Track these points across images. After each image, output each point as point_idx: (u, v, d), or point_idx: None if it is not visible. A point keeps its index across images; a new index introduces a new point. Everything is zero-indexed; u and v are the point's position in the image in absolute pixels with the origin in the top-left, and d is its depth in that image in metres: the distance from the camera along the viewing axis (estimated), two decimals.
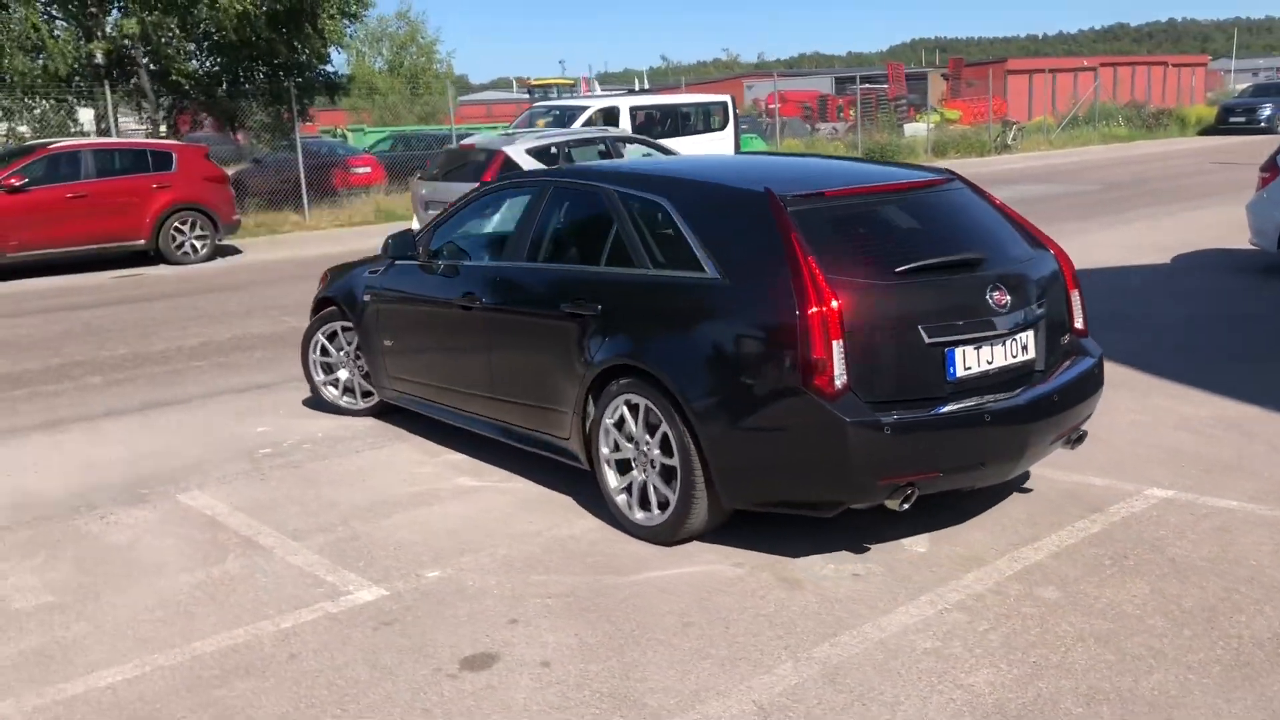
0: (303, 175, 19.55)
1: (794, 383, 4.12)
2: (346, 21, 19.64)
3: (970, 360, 4.32)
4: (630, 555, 4.59)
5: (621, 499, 4.87)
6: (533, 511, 5.15)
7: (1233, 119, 35.21)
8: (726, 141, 20.66)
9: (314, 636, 4.00)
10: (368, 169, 23.04)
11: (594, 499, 5.15)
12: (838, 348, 4.07)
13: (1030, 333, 4.51)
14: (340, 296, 6.80)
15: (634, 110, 19.62)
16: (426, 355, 6.15)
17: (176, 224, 14.88)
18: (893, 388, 4.20)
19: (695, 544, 4.64)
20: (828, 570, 4.34)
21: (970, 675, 3.50)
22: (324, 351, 6.98)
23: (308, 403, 7.23)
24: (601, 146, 13.69)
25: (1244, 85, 47.58)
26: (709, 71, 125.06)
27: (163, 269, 14.65)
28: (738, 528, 4.68)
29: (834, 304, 4.08)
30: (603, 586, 4.30)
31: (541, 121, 21.09)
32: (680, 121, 20.55)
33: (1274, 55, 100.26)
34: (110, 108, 17.52)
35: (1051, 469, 5.27)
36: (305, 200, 19.58)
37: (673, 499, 4.57)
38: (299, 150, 19.61)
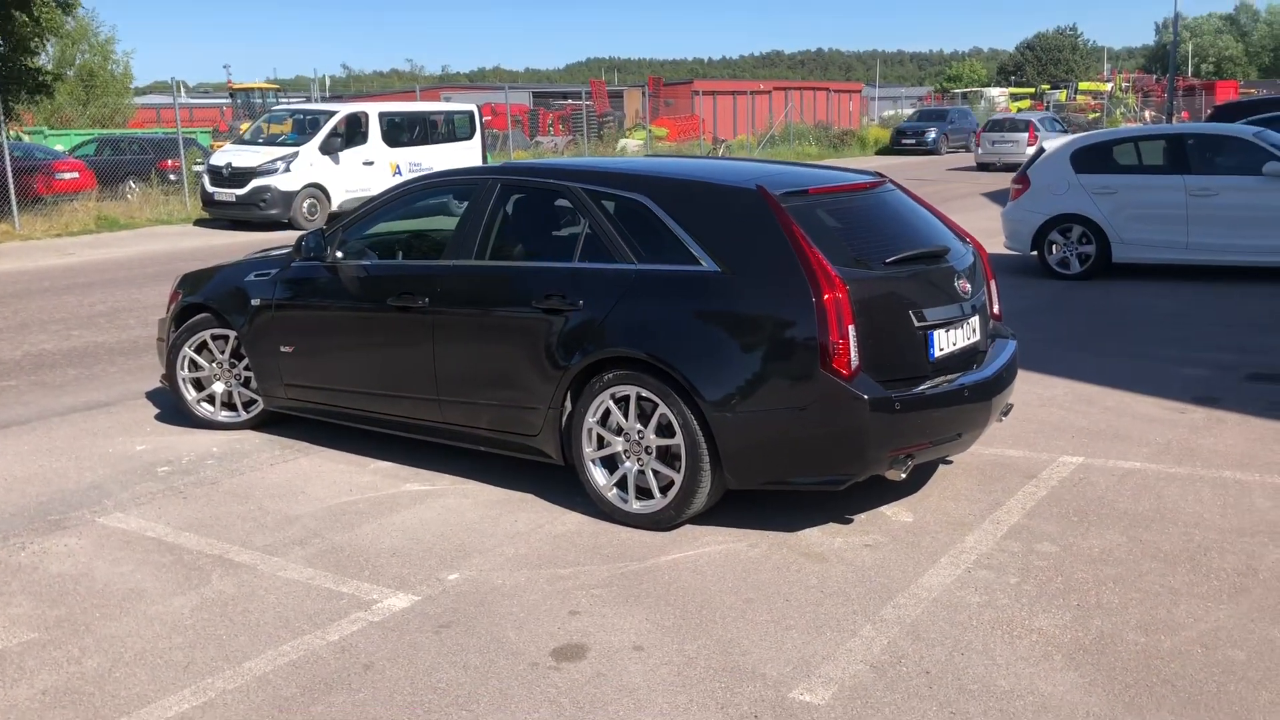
0: (10, 180, 17.62)
1: (811, 365, 4.39)
2: (61, 12, 17.87)
3: (944, 342, 4.78)
4: (639, 544, 4.68)
5: (614, 493, 4.93)
6: (509, 511, 5.10)
7: (905, 140, 39.00)
8: (474, 150, 20.63)
9: (376, 645, 3.82)
10: (75, 174, 21.07)
11: (563, 494, 5.20)
12: (852, 331, 4.40)
13: (977, 317, 5.04)
14: (218, 303, 6.34)
15: (382, 116, 19.20)
16: (341, 360, 5.87)
17: None
18: (890, 367, 4.57)
19: (694, 528, 4.80)
20: (838, 543, 4.63)
21: (1033, 620, 3.90)
22: (193, 365, 6.48)
23: (162, 418, 6.68)
24: None
25: (908, 111, 52.76)
26: (392, 82, 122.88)
27: None
28: (720, 511, 4.89)
29: (844, 291, 4.40)
30: (635, 574, 4.38)
31: (282, 125, 20.20)
32: (429, 130, 20.31)
33: (907, 84, 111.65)
34: None
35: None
36: (14, 207, 17.66)
37: (676, 483, 4.70)
38: (5, 153, 17.65)
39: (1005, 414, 5.34)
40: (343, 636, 3.90)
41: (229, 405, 6.49)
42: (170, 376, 6.51)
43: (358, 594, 4.25)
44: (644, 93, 44.15)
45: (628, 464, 4.88)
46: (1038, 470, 5.48)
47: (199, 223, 18.93)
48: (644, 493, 4.87)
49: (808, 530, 4.76)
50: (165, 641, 3.88)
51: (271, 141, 19.07)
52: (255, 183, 17.52)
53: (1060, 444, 5.90)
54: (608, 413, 4.87)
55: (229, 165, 17.86)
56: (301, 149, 17.97)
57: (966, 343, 4.93)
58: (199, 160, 21.75)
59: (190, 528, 4.96)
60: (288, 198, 17.61)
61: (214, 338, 6.39)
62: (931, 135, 38.63)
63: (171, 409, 6.70)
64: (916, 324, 4.66)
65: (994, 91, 65.33)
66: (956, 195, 22.36)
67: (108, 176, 22.05)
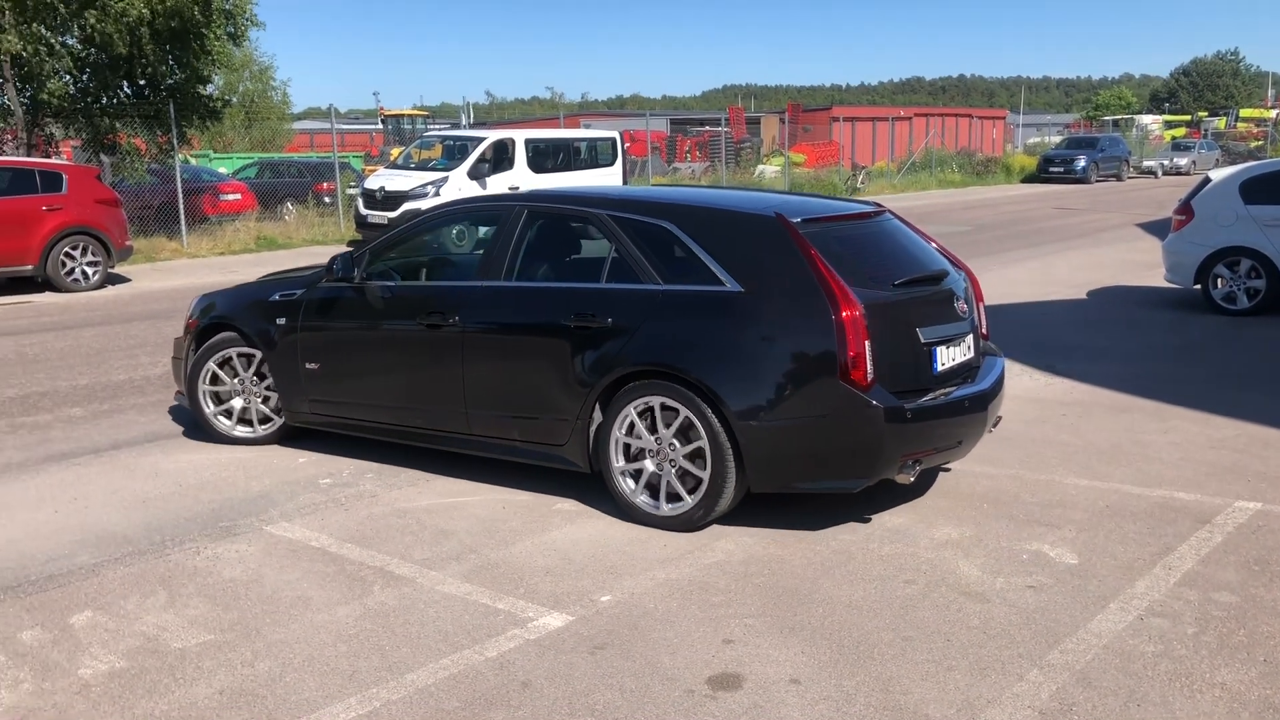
0: (181, 201, 18.61)
1: (831, 377, 4.77)
2: (231, 44, 18.83)
3: (945, 357, 5.21)
4: (791, 574, 4.62)
5: (643, 498, 5.23)
6: (657, 536, 5.10)
7: (1052, 169, 37.89)
8: (615, 176, 20.88)
9: (533, 664, 3.86)
10: (238, 195, 22.19)
11: (712, 524, 5.17)
12: (868, 346, 4.78)
13: (971, 335, 5.47)
14: (243, 322, 6.56)
15: (528, 143, 19.60)
16: (368, 376, 6.11)
17: (67, 249, 13.92)
18: (900, 380, 4.94)
19: (848, 561, 4.72)
20: (1000, 583, 4.49)
21: (1215, 674, 3.70)
22: (214, 380, 6.67)
23: (320, 432, 6.90)
24: None
25: (1054, 138, 51.28)
26: (533, 109, 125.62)
27: (53, 296, 13.66)
28: (871, 543, 4.78)
29: (860, 309, 4.77)
30: (789, 605, 4.32)
31: (432, 151, 20.83)
32: (572, 156, 20.66)
33: (1053, 111, 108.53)
34: None
35: (1131, 485, 5.65)
36: (184, 227, 18.64)
37: (703, 487, 5.02)
38: (178, 175, 18.66)
39: (995, 425, 5.65)
40: (500, 653, 3.95)
41: (245, 421, 6.69)
42: (191, 392, 6.70)
43: (513, 611, 4.31)
44: (782, 119, 44.10)
45: (655, 470, 5.18)
46: (1211, 515, 5.21)
47: (351, 243, 19.62)
48: (671, 497, 5.16)
49: (965, 569, 4.63)
50: (331, 649, 3.99)
51: (422, 166, 19.67)
52: (406, 206, 18.07)
53: (1235, 488, 5.60)
54: (635, 423, 5.18)
55: (382, 189, 18.49)
56: (451, 174, 18.48)
57: (964, 358, 5.38)
58: (352, 184, 22.59)
59: (352, 539, 5.11)
60: None
61: (239, 355, 6.60)
62: (1081, 163, 37.44)
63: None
64: (923, 340, 5.08)
65: (1146, 119, 63.01)
66: (1109, 226, 21.61)
67: (267, 198, 23.12)
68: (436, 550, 4.97)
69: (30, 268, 13.72)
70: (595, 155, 21.21)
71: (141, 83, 18.66)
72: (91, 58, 17.65)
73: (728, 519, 5.21)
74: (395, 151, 34.04)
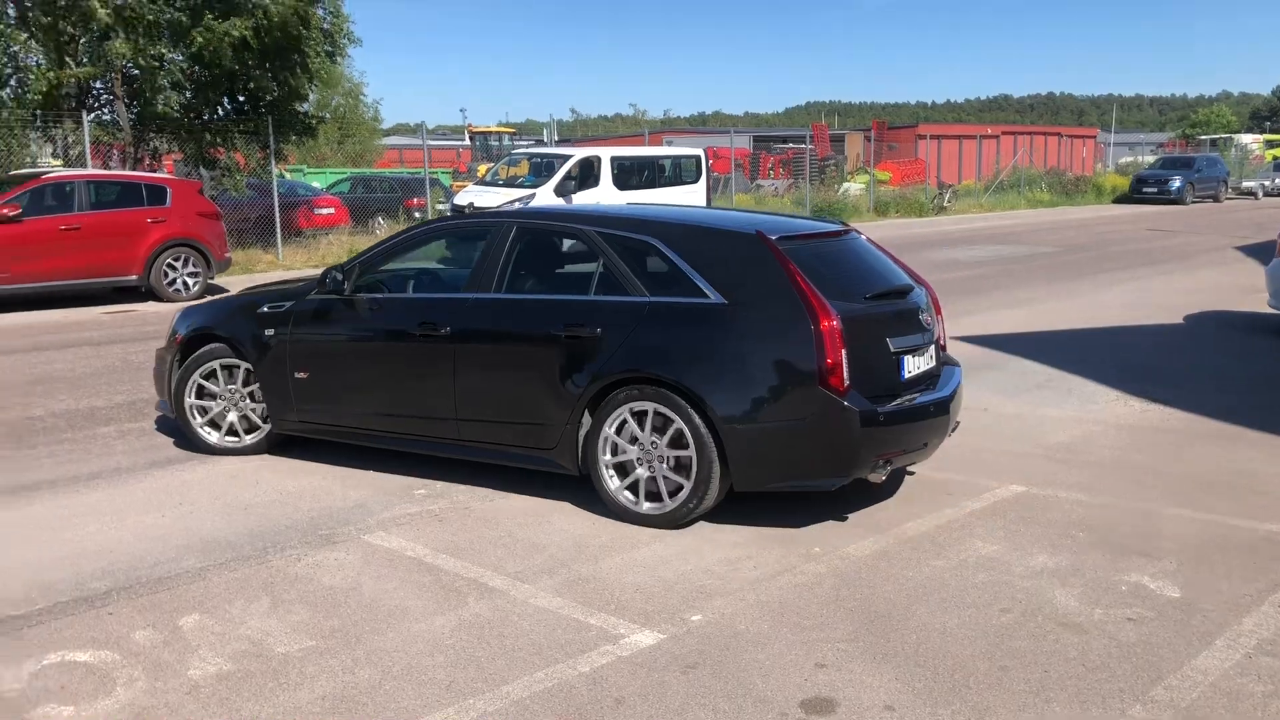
0: (278, 214, 19.13)
1: (811, 383, 5.11)
2: (329, 62, 19.34)
3: (911, 365, 5.60)
4: (883, 600, 4.59)
5: (625, 495, 5.54)
6: (747, 555, 5.10)
7: (1145, 189, 37.05)
8: (699, 194, 20.95)
9: (626, 680, 3.90)
10: (331, 210, 22.72)
11: (802, 545, 5.17)
12: (844, 355, 5.11)
13: (933, 346, 5.87)
14: (228, 333, 6.74)
15: (614, 160, 19.77)
16: (358, 383, 6.33)
17: (170, 260, 14.40)
18: (872, 385, 5.30)
19: (939, 590, 4.67)
20: (1098, 614, 4.41)
21: None
22: (200, 393, 6.84)
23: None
24: None
25: (1148, 158, 50.12)
26: (616, 126, 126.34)
27: (156, 305, 14.13)
28: (965, 572, 4.73)
29: (838, 320, 5.12)
30: (882, 630, 4.29)
31: (518, 167, 21.12)
32: (657, 173, 20.78)
33: (1146, 130, 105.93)
34: (86, 141, 16.86)
35: (1236, 517, 5.52)
36: (279, 240, 19.14)
37: (686, 487, 5.34)
38: (274, 189, 19.19)
39: (953, 430, 5.92)
40: (594, 669, 3.99)
41: (231, 431, 6.86)
42: (177, 402, 6.86)
43: (605, 627, 4.35)
44: (867, 136, 43.76)
45: (642, 471, 5.47)
46: None
47: None
48: (655, 496, 5.46)
49: (1061, 598, 4.56)
50: (429, 659, 4.08)
51: (510, 183, 19.94)
52: None
53: None
54: (623, 426, 5.49)
55: (471, 205, 18.78)
56: (538, 190, 18.70)
57: (927, 366, 5.79)
58: (442, 199, 22.99)
59: (446, 550, 5.21)
60: None
61: (223, 367, 6.77)
62: (1176, 184, 36.56)
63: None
64: (892, 349, 5.47)
65: (1246, 138, 61.21)
66: (1206, 248, 21.05)
67: (359, 213, 23.63)
68: (528, 563, 5.04)
69: (135, 277, 14.23)
70: (679, 172, 21.31)
71: (241, 99, 19.25)
72: (197, 75, 18.26)
73: (816, 539, 5.20)
74: (483, 168, 34.62)
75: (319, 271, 6.79)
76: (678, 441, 5.33)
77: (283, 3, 16.89)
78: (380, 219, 23.92)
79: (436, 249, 7.16)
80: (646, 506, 5.46)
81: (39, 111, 17.13)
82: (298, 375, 6.48)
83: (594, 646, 4.17)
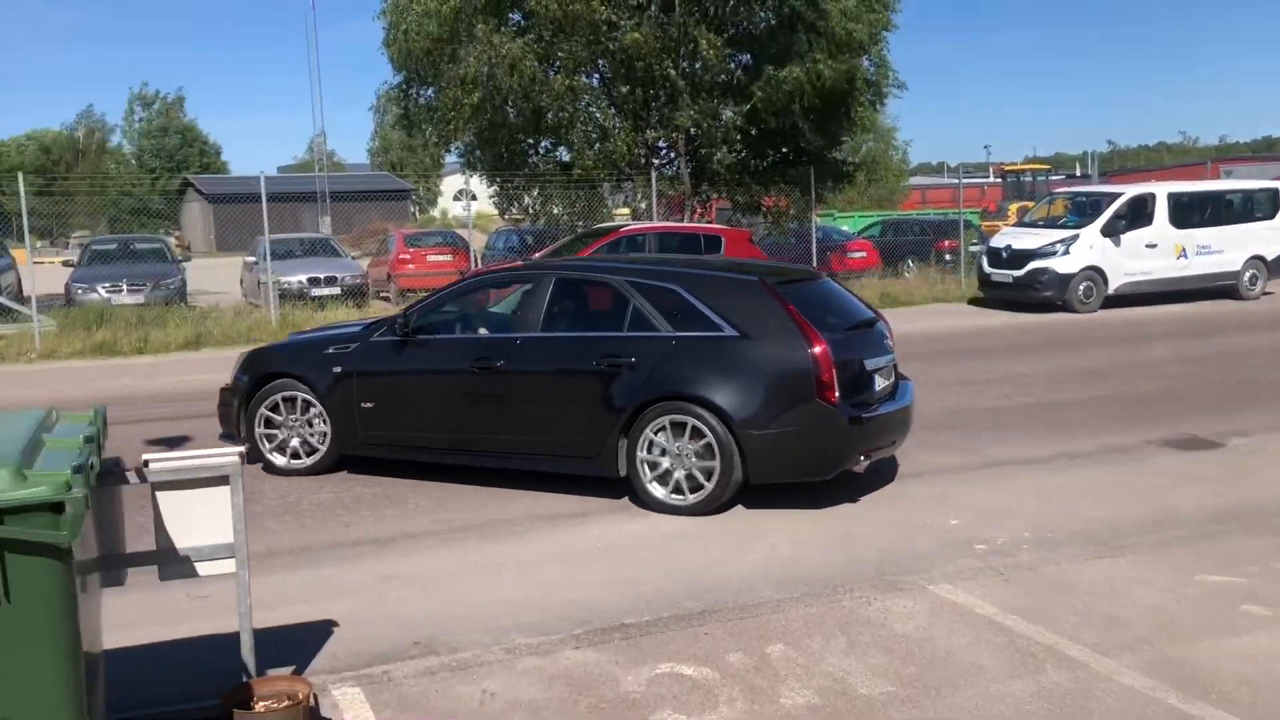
0: (814, 259, 19.97)
1: (810, 396, 6.55)
2: (874, 110, 19.92)
3: (879, 383, 7.05)
4: None
5: (660, 491, 6.74)
6: None
7: None
8: (1276, 231, 18.73)
9: None
10: (863, 253, 23.27)
11: None
12: (836, 373, 6.52)
13: (892, 367, 7.36)
14: (298, 371, 7.83)
15: (1170, 196, 18.27)
16: (421, 409, 7.48)
17: None
18: (853, 397, 6.73)
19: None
20: None
21: None
22: (268, 423, 7.83)
23: (966, 493, 6.96)
24: None
25: None
26: (1160, 156, 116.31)
27: None
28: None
29: (828, 345, 6.55)
30: None
31: (1053, 206, 20.25)
32: (1222, 209, 18.89)
33: None
34: (654, 195, 18.78)
35: None
36: None
37: (710, 483, 6.60)
38: (813, 234, 20.08)
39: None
40: None
41: (297, 454, 7.83)
42: (249, 431, 7.83)
43: (1206, 718, 4.03)
44: None
45: (678, 472, 6.68)
46: None
47: (973, 301, 19.60)
48: (689, 490, 6.66)
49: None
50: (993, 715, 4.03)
51: (1051, 224, 19.16)
52: (1033, 265, 17.73)
53: None
54: (658, 435, 6.68)
55: (1008, 247, 18.32)
56: (1082, 231, 17.82)
57: (889, 381, 7.26)
58: (974, 241, 22.64)
59: (1015, 611, 5.11)
60: (1064, 280, 17.54)
61: (284, 400, 7.78)
62: None
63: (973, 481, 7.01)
64: (867, 369, 6.89)
65: None
66: None
67: (888, 255, 23.95)
68: (1108, 636, 4.79)
69: None
70: (1250, 208, 19.23)
71: (784, 149, 20.37)
72: (749, 130, 19.66)
73: None
74: (1013, 207, 33.58)
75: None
76: (705, 446, 6.55)
77: (835, 68, 17.64)
78: (909, 261, 24.04)
79: (507, 295, 8.36)
80: (680, 498, 6.67)
81: (616, 169, 19.40)
82: (364, 405, 7.58)
83: None
